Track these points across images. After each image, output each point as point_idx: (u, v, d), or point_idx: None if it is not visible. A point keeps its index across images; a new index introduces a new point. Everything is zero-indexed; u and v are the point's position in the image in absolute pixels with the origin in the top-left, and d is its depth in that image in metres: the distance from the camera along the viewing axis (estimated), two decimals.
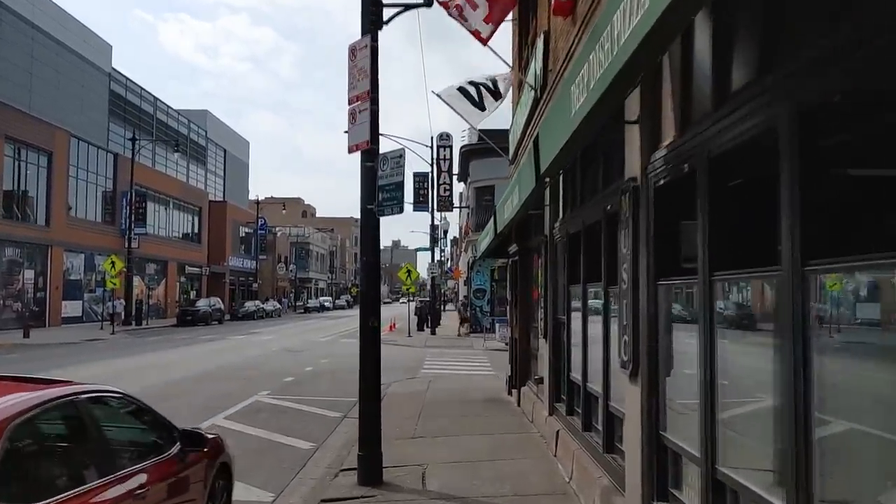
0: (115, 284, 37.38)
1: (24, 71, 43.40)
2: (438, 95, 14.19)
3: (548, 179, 5.66)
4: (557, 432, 8.44)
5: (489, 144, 35.43)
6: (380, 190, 7.64)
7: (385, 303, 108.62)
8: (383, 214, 7.62)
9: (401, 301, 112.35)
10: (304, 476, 8.51)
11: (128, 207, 45.64)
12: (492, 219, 10.60)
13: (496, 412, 12.07)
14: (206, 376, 18.16)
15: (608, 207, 6.27)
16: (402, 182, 7.46)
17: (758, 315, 3.68)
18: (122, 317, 40.40)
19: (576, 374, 8.01)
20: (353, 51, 7.87)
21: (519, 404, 12.60)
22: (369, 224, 7.69)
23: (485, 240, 12.73)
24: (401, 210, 7.43)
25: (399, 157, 7.53)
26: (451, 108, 13.94)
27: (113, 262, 37.03)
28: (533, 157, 5.49)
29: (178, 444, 5.20)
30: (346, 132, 7.84)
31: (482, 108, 13.97)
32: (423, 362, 22.50)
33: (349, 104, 7.91)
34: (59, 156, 41.49)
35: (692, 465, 4.29)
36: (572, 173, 8.30)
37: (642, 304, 4.97)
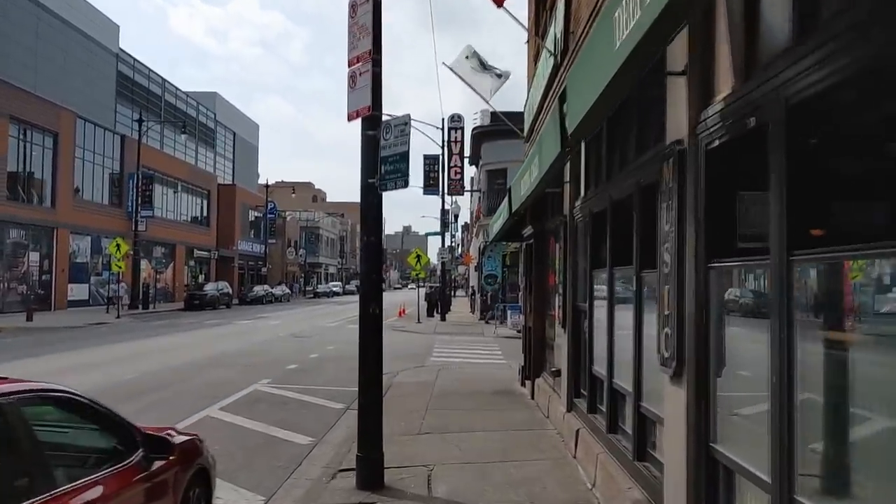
0: (120, 267, 36.81)
1: (29, 50, 42.76)
2: (450, 68, 13.40)
3: (569, 147, 4.83)
4: (577, 431, 7.66)
5: (501, 126, 34.56)
6: (382, 162, 6.84)
7: (395, 288, 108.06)
8: (386, 189, 6.82)
9: (409, 287, 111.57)
10: (300, 476, 7.78)
11: (134, 190, 45.02)
12: (506, 198, 9.78)
13: (509, 406, 11.30)
14: (207, 362, 17.49)
15: (641, 180, 5.45)
16: (408, 152, 6.64)
17: (870, 304, 2.85)
18: (127, 300, 39.70)
19: (599, 369, 7.21)
20: (353, 6, 7.05)
21: (533, 397, 11.83)
22: (370, 200, 6.90)
23: (498, 221, 11.93)
24: (405, 184, 6.64)
25: (404, 124, 6.72)
26: (462, 79, 13.16)
27: (118, 245, 36.44)
28: (558, 115, 4.67)
29: (141, 450, 4.44)
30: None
31: (494, 79, 13.18)
32: (432, 350, 21.78)
33: (349, 66, 7.10)
34: (65, 137, 40.89)
35: (756, 490, 3.49)
36: (596, 145, 7.46)
37: (689, 291, 4.16)
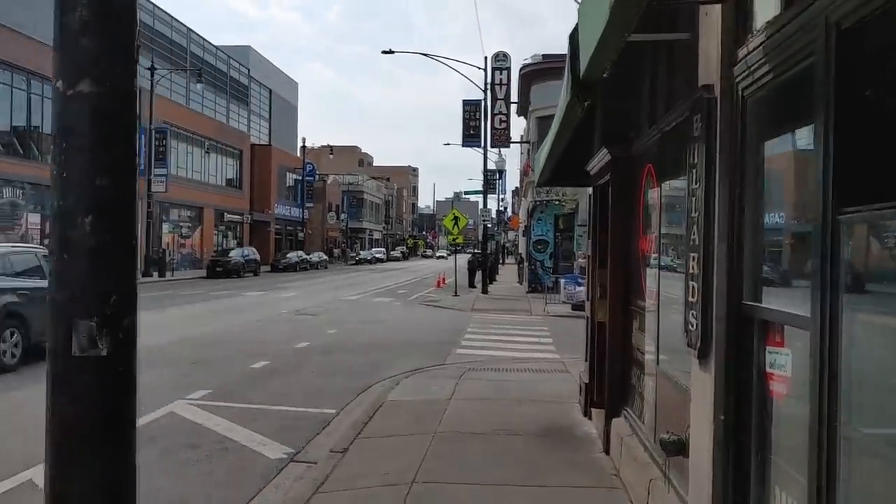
0: None
1: None
2: None
3: None
4: None
5: (554, 63, 28.92)
6: None
7: (438, 257, 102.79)
8: None
9: (436, 256, 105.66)
10: None
11: (147, 146, 40.84)
12: (565, 71, 4.61)
13: (565, 473, 6.26)
14: (147, 356, 12.86)
15: None
16: None
17: None
18: None
19: None
20: None
21: (607, 450, 6.79)
22: None
23: (550, 135, 6.78)
24: None
25: None
26: None
27: None
28: None
29: None
30: None
31: None
32: (462, 335, 16.84)
33: None
34: None
35: None
36: None
37: None
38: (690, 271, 3.81)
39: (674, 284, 4.97)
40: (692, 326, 3.79)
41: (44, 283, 10.68)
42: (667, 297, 5.18)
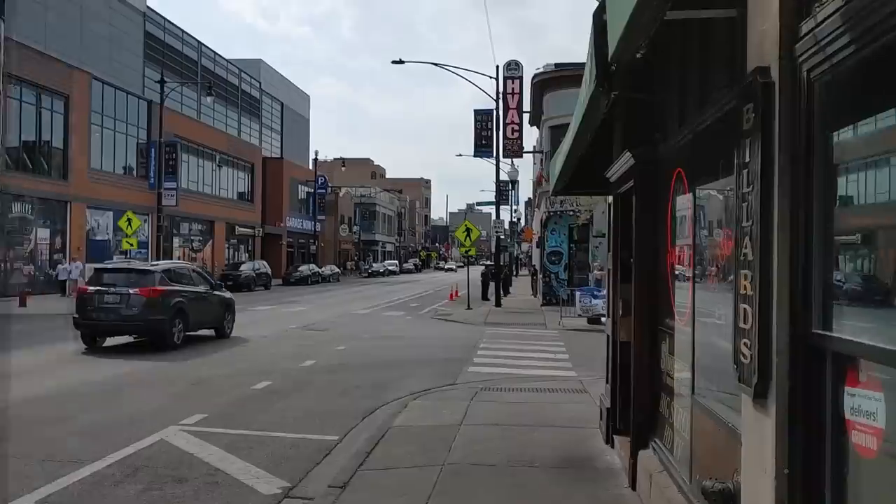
0: (131, 245, 32.41)
1: (38, 3, 38.37)
2: None
3: None
4: None
5: (567, 71, 28.34)
6: None
7: (447, 269, 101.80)
8: None
9: (445, 268, 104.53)
10: None
11: (157, 159, 40.57)
12: (587, 61, 4.01)
13: None
14: (144, 376, 12.34)
15: None
16: None
17: None
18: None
19: None
20: None
21: (633, 485, 6.13)
22: None
23: (567, 140, 6.17)
24: None
25: None
26: None
27: (129, 220, 32.02)
28: None
29: None
30: None
31: None
32: (475, 351, 16.20)
33: None
34: (79, 100, 36.62)
35: None
36: None
37: None
38: (742, 292, 3.17)
39: (711, 302, 4.36)
40: (745, 358, 3.15)
41: (195, 288, 16.89)
42: (703, 316, 4.56)
